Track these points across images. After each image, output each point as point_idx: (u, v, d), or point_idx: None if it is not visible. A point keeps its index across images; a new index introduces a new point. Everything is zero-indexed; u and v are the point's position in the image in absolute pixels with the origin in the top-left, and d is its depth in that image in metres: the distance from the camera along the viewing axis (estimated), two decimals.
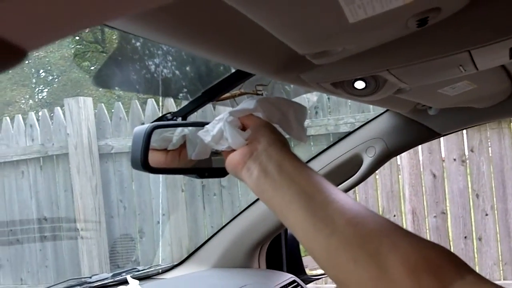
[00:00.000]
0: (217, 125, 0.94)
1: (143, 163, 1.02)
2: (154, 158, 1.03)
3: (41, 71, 11.44)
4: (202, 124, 1.09)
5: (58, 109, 4.95)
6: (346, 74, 0.98)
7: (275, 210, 0.84)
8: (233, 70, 1.14)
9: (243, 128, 0.93)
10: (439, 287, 0.69)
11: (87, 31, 9.67)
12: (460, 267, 0.72)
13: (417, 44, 0.88)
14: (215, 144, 0.94)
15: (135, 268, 2.01)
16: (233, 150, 0.90)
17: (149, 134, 1.03)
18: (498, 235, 4.01)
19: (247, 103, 0.94)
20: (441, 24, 0.80)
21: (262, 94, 1.15)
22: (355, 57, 0.90)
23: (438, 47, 0.89)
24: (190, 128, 1.07)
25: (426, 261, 0.71)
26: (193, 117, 1.20)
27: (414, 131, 1.75)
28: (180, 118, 1.16)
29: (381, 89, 1.04)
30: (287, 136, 0.94)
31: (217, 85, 1.16)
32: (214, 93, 1.17)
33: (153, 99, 4.68)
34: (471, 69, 1.00)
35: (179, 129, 1.06)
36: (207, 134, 0.95)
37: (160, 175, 4.46)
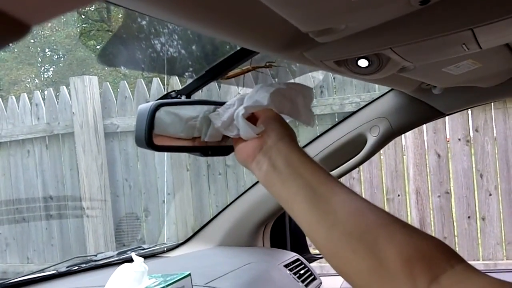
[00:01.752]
0: (228, 110, 0.96)
1: (147, 141, 1.02)
2: (180, 143, 1.05)
3: (47, 50, 11.44)
4: (207, 103, 1.10)
5: (63, 88, 4.95)
6: (349, 52, 0.98)
7: (282, 202, 0.88)
8: (237, 48, 1.14)
9: (254, 118, 0.95)
10: (430, 276, 0.73)
11: (92, 8, 9.63)
12: (451, 257, 0.76)
13: (419, 22, 0.88)
14: (224, 130, 0.97)
15: (141, 247, 2.02)
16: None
17: (153, 112, 1.03)
18: (501, 215, 4.00)
19: (260, 96, 0.94)
20: (444, 2, 0.81)
21: (273, 66, 1.15)
22: (358, 35, 0.90)
23: (440, 25, 0.89)
24: (206, 110, 1.06)
25: (419, 252, 0.75)
26: (197, 95, 1.20)
27: (418, 111, 1.74)
28: (184, 96, 1.16)
29: (384, 67, 1.04)
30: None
31: (221, 63, 1.16)
32: (218, 71, 1.17)
33: (158, 78, 4.66)
34: (474, 47, 0.99)
35: (201, 115, 1.06)
36: (217, 119, 0.97)
37: (165, 154, 4.47)
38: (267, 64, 1.15)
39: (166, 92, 1.18)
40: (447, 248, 0.78)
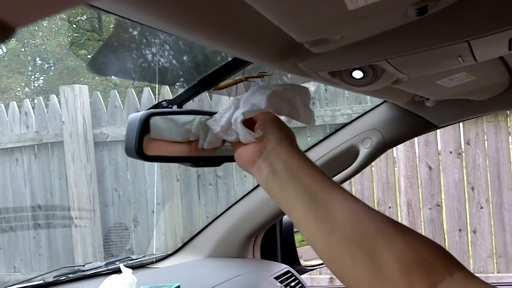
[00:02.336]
0: (225, 114, 0.95)
1: (137, 151, 1.00)
2: (175, 149, 1.04)
3: (37, 58, 11.39)
4: (198, 113, 1.08)
5: (53, 97, 4.93)
6: (344, 63, 0.97)
7: (282, 206, 0.88)
8: (229, 59, 1.12)
9: (252, 121, 0.94)
10: (428, 284, 0.73)
11: (83, 18, 9.63)
12: (451, 264, 0.76)
13: (415, 34, 0.87)
14: (223, 135, 0.96)
15: (129, 257, 2.00)
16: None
17: (144, 121, 1.01)
18: (492, 228, 4.00)
19: (256, 99, 0.93)
20: (441, 14, 0.80)
21: (266, 76, 1.14)
22: (353, 46, 0.89)
23: (437, 37, 0.88)
24: (202, 117, 1.05)
25: (418, 258, 0.75)
26: (189, 106, 1.19)
27: (411, 123, 1.73)
28: (175, 106, 1.15)
29: (379, 79, 1.03)
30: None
31: (213, 73, 1.15)
32: (210, 81, 1.16)
33: (149, 88, 4.65)
34: (469, 60, 0.99)
35: (197, 119, 1.04)
36: (215, 124, 0.96)
37: (155, 164, 4.45)
38: (260, 74, 1.13)
39: (157, 102, 1.17)
40: (447, 255, 0.78)
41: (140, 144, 1.01)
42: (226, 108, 0.96)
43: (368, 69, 0.99)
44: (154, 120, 1.02)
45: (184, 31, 0.81)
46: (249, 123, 0.94)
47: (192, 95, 1.17)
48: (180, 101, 1.16)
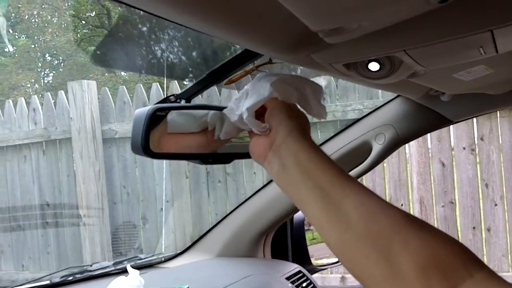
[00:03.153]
0: (240, 104, 0.92)
1: (144, 147, 0.97)
2: (191, 142, 1.01)
3: (47, 55, 11.45)
4: (207, 107, 1.05)
5: (61, 93, 4.92)
6: (360, 55, 0.93)
7: (295, 202, 0.85)
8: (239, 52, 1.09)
9: (260, 111, 0.90)
10: (447, 286, 0.70)
11: (93, 14, 9.65)
12: (471, 264, 0.72)
13: (436, 23, 0.83)
14: (241, 124, 0.92)
15: (137, 256, 1.98)
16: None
17: (150, 117, 0.98)
18: (507, 226, 3.97)
19: (261, 87, 0.89)
20: (463, 2, 0.76)
21: (276, 63, 1.10)
22: (371, 36, 0.84)
23: (458, 26, 0.84)
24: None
25: (436, 259, 0.71)
26: (197, 100, 1.15)
27: (425, 118, 1.70)
28: (184, 101, 1.12)
29: (396, 72, 0.98)
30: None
31: (222, 67, 1.11)
32: (219, 74, 1.12)
33: (157, 83, 4.63)
34: (491, 51, 0.95)
35: (213, 113, 1.00)
36: (232, 113, 0.93)
37: (164, 161, 4.44)
38: (270, 60, 1.09)
39: (165, 96, 1.14)
40: (467, 253, 0.74)
41: (146, 141, 0.97)
42: (240, 96, 0.93)
43: (385, 61, 0.95)
44: (171, 116, 1.00)
45: (193, 21, 0.78)
46: (261, 112, 0.90)
47: (201, 89, 1.14)
48: (188, 95, 1.13)
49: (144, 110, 0.99)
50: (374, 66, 0.96)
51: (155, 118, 0.99)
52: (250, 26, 0.80)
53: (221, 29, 0.81)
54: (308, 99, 0.93)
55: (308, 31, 0.79)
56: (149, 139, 0.97)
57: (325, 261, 2.08)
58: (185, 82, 5.02)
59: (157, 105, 1.02)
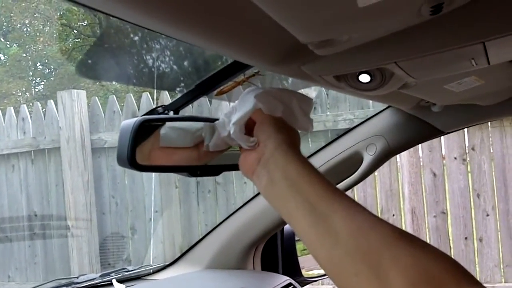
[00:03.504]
0: (230, 117, 0.92)
1: (130, 160, 0.95)
2: (183, 155, 1.00)
3: (38, 64, 11.44)
4: (196, 119, 1.04)
5: (51, 102, 4.90)
6: (351, 66, 0.92)
7: (284, 217, 0.84)
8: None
9: (251, 125, 0.89)
10: None
11: (84, 23, 9.64)
12: (463, 280, 0.71)
13: (428, 35, 0.83)
14: (229, 140, 0.93)
15: (125, 268, 1.95)
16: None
17: (137, 129, 0.96)
18: (499, 236, 3.96)
19: (247, 101, 0.88)
20: (455, 13, 0.75)
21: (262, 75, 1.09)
22: (361, 48, 0.83)
23: (450, 38, 0.83)
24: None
25: (427, 275, 0.70)
26: (188, 110, 1.14)
27: (417, 129, 1.70)
28: (172, 112, 1.10)
29: (387, 84, 0.97)
30: None
31: (211, 78, 1.10)
32: (208, 86, 1.11)
33: (148, 93, 4.62)
34: (483, 63, 0.95)
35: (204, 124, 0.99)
36: (222, 128, 0.94)
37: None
38: (257, 72, 1.08)
39: (154, 106, 1.13)
40: (459, 269, 0.72)
41: (133, 153, 0.95)
42: (230, 111, 0.92)
43: (376, 73, 0.94)
44: (165, 130, 0.99)
45: (181, 33, 0.76)
46: (251, 127, 0.89)
47: (189, 100, 1.12)
48: (176, 106, 1.11)
49: (130, 122, 0.97)
50: (364, 78, 0.95)
51: (142, 130, 0.97)
52: (240, 37, 0.79)
53: (210, 41, 0.80)
54: (293, 112, 0.92)
55: (298, 43, 0.77)
56: (135, 152, 0.95)
57: (316, 272, 2.06)
58: (176, 92, 5.01)
59: (143, 116, 1.00)
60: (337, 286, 0.78)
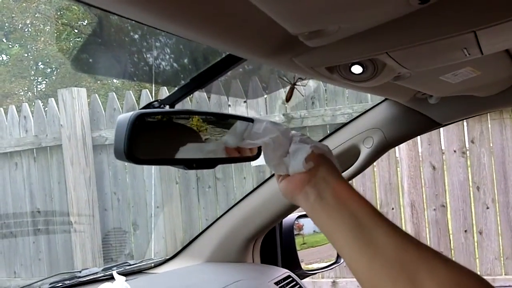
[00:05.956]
0: (276, 148, 0.98)
1: (127, 153, 0.96)
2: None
3: (40, 63, 11.47)
4: (192, 113, 1.05)
5: (52, 100, 4.91)
6: (342, 58, 0.92)
7: (326, 232, 0.92)
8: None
9: None
10: None
11: (85, 22, 9.65)
12: None
13: (418, 25, 0.83)
14: (275, 169, 0.99)
15: (127, 262, 1.96)
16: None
17: (133, 122, 0.96)
18: (499, 228, 3.95)
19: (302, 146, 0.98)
20: (445, 2, 0.75)
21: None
22: (352, 39, 0.84)
23: (441, 27, 0.83)
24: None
25: (458, 286, 0.78)
26: (187, 106, 1.15)
27: (414, 121, 1.69)
28: (168, 106, 1.11)
29: (380, 74, 0.98)
30: None
31: (206, 72, 1.11)
32: (203, 80, 1.12)
33: (147, 90, 4.63)
34: (475, 52, 0.94)
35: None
36: (267, 150, 0.99)
37: (154, 167, 4.43)
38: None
39: (148, 102, 1.14)
40: (485, 283, 0.80)
41: (129, 146, 0.96)
42: (274, 136, 0.98)
43: (368, 64, 0.95)
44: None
45: (174, 27, 0.77)
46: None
47: (185, 94, 1.13)
48: (172, 101, 1.12)
49: (126, 116, 0.98)
50: (357, 69, 0.96)
51: (139, 123, 0.98)
52: (231, 30, 0.80)
53: (203, 34, 0.81)
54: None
55: (289, 35, 0.78)
56: (132, 144, 0.96)
57: (315, 265, 2.07)
58: (176, 88, 5.02)
59: (140, 110, 1.01)
60: None
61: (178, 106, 1.14)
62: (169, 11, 0.68)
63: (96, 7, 0.69)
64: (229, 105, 4.47)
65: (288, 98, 1.24)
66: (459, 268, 0.81)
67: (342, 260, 2.04)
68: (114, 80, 9.66)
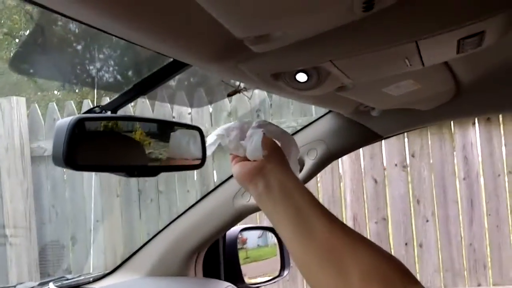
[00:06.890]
0: (232, 133, 1.05)
1: (65, 159, 0.93)
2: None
3: None
4: (133, 119, 1.04)
5: None
6: (287, 65, 0.92)
7: (272, 221, 1.00)
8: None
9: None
10: None
11: (27, 33, 9.46)
12: (406, 277, 0.88)
13: (362, 33, 0.83)
14: (233, 149, 1.04)
15: (64, 277, 1.91)
16: (243, 158, 1.05)
17: (73, 127, 0.94)
18: (438, 242, 4.03)
19: (256, 131, 1.05)
20: (388, 12, 0.76)
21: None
22: (297, 46, 0.84)
23: (384, 37, 0.84)
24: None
25: (378, 270, 0.87)
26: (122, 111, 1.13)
27: (356, 133, 1.71)
28: (109, 112, 1.09)
29: (324, 83, 0.98)
30: None
31: (149, 77, 1.10)
32: (147, 86, 1.10)
33: (89, 100, 4.55)
34: (417, 63, 0.96)
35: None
36: (223, 138, 1.06)
37: (94, 179, 4.35)
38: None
39: (90, 107, 1.11)
40: (405, 270, 0.89)
41: (68, 152, 0.93)
42: (233, 126, 1.06)
43: (313, 72, 0.95)
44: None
45: (116, 28, 0.75)
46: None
47: (127, 100, 1.12)
48: (114, 106, 1.11)
49: (65, 121, 0.96)
50: (302, 77, 0.96)
51: (79, 129, 0.96)
52: (175, 33, 0.78)
53: (145, 37, 0.79)
54: (290, 156, 1.11)
55: (235, 40, 0.77)
56: (71, 150, 0.94)
57: (258, 279, 2.05)
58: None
59: (79, 115, 0.99)
60: (307, 281, 0.94)
61: (121, 113, 1.12)
62: (110, 11, 0.67)
63: (33, 4, 0.66)
64: (173, 117, 4.43)
65: (230, 94, 1.30)
66: (381, 253, 0.90)
67: (285, 273, 2.04)
68: (55, 92, 9.46)
